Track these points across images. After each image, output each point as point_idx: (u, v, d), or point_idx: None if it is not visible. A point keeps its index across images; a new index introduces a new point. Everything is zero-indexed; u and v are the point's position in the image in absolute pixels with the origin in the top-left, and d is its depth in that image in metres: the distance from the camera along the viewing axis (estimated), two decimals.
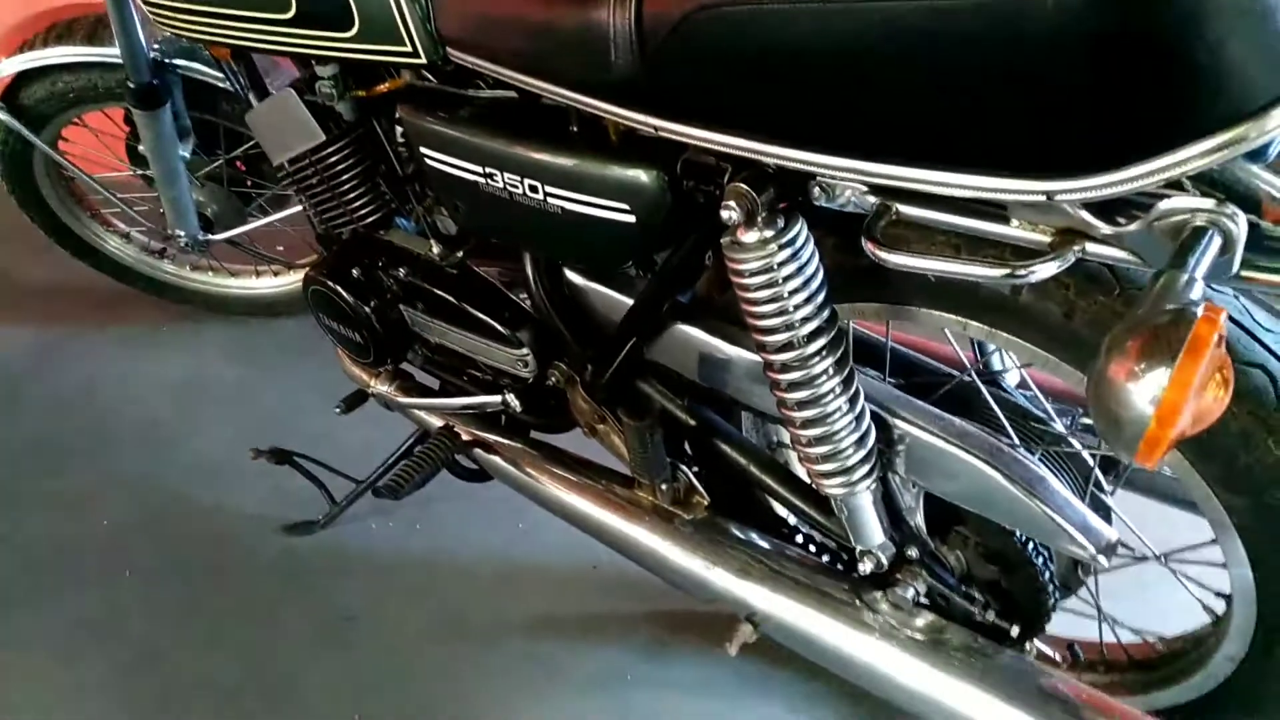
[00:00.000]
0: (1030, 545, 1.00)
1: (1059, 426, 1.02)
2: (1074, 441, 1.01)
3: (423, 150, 1.06)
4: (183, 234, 1.72)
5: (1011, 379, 1.14)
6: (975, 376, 1.02)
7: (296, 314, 1.99)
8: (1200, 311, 0.56)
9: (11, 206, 1.82)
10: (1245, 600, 0.93)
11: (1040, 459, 0.98)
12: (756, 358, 0.96)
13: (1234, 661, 0.99)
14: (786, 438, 1.24)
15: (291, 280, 1.97)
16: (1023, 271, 0.71)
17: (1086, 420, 1.13)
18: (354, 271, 1.26)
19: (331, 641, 1.38)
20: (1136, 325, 0.58)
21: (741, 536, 1.15)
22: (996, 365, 1.12)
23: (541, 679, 1.33)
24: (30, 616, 1.44)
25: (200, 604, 1.44)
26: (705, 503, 1.17)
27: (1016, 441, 0.99)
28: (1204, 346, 0.55)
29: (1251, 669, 0.98)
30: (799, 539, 1.19)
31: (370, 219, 1.25)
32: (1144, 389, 0.56)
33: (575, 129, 0.96)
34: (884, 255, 0.76)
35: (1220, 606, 1.02)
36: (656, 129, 0.83)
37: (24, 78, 1.60)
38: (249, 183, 1.78)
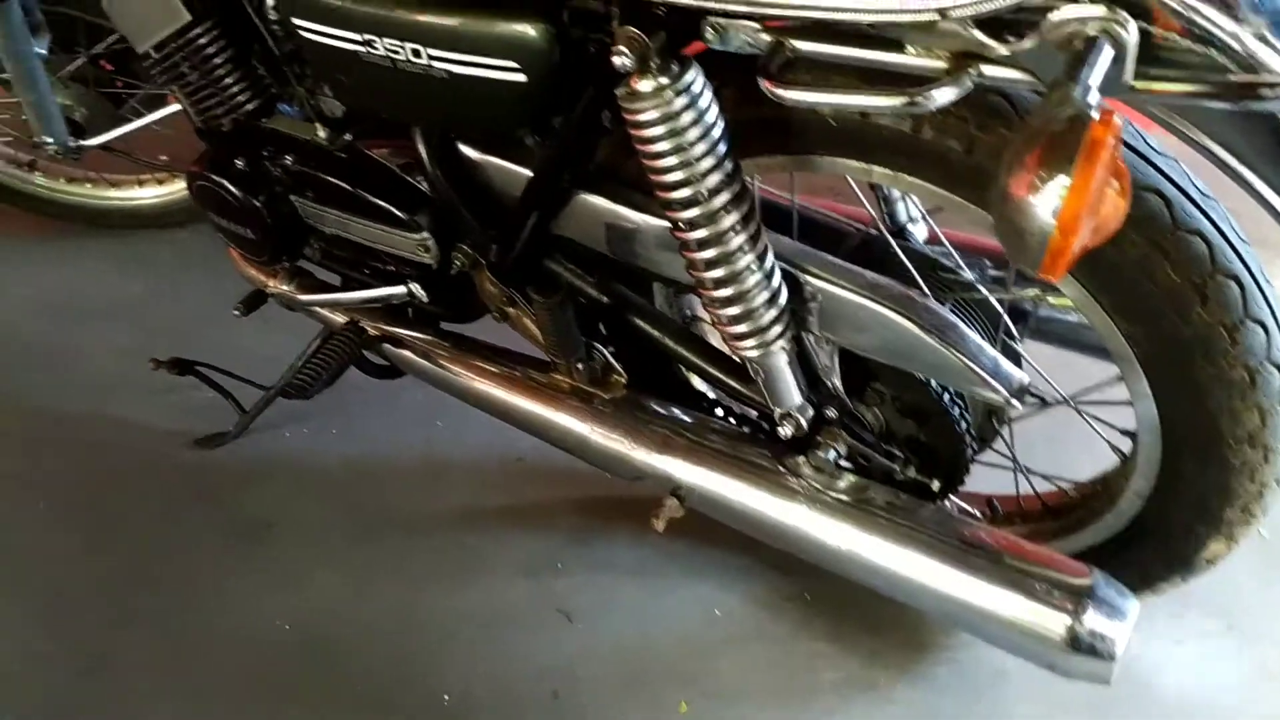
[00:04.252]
0: (946, 395, 1.00)
1: (966, 275, 1.02)
2: (981, 289, 1.01)
3: (295, 22, 0.98)
4: (50, 141, 1.60)
5: (919, 234, 1.13)
6: (883, 230, 1.01)
7: (187, 225, 1.89)
8: (1095, 115, 0.55)
9: None
10: (1150, 434, 0.95)
11: (950, 309, 0.98)
12: (664, 224, 0.93)
13: (1142, 497, 1.02)
14: (701, 310, 1.22)
15: (178, 189, 1.85)
16: (921, 98, 0.68)
17: (995, 272, 1.13)
18: (239, 163, 1.19)
19: (250, 548, 1.34)
20: (1032, 136, 0.56)
21: (662, 412, 1.14)
22: (903, 218, 1.11)
23: (470, 569, 1.31)
24: None
25: (108, 519, 1.38)
26: (623, 381, 1.15)
27: (927, 292, 0.98)
28: (1101, 149, 0.53)
29: (1158, 503, 1.01)
30: (719, 412, 1.18)
31: (250, 106, 1.16)
32: (1044, 199, 0.55)
33: None
34: (781, 93, 0.73)
35: (1127, 445, 1.05)
36: None
37: None
38: (119, 83, 1.66)
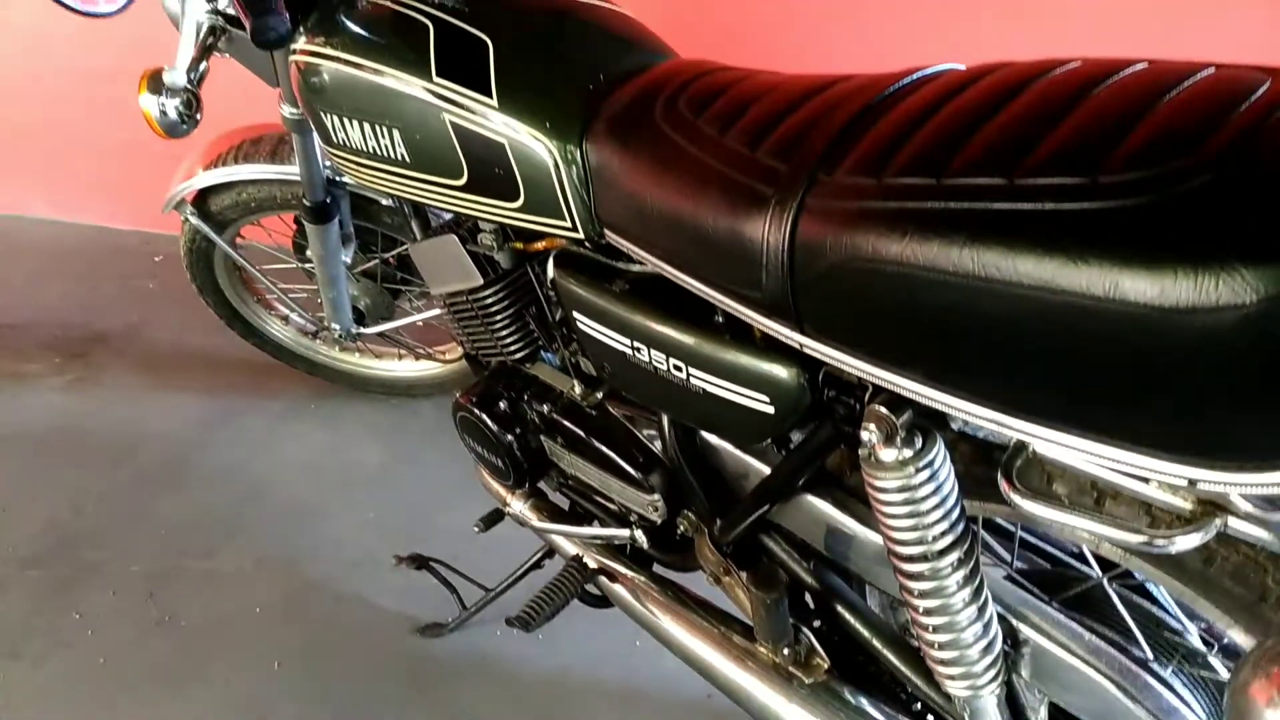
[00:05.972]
0: None
1: (1194, 641, 1.00)
2: (1214, 663, 0.98)
3: (574, 313, 1.12)
4: (338, 328, 1.85)
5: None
6: (1105, 582, 1.01)
7: (433, 397, 2.11)
8: None
9: (191, 290, 1.98)
10: None
11: (1173, 673, 0.96)
12: (884, 541, 0.98)
13: None
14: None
15: (428, 367, 2.09)
16: (1161, 542, 0.71)
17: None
18: (500, 404, 1.34)
19: None
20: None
21: (860, 705, 1.16)
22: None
23: None
24: (185, 700, 1.55)
25: (338, 697, 1.53)
26: (825, 665, 1.18)
27: (1149, 654, 0.97)
28: None
29: None
30: (916, 706, 1.19)
31: (517, 355, 1.32)
32: None
33: (721, 319, 1.01)
34: (1018, 500, 0.78)
35: None
36: (800, 345, 0.86)
37: (213, 187, 1.76)
38: (399, 277, 1.90)
